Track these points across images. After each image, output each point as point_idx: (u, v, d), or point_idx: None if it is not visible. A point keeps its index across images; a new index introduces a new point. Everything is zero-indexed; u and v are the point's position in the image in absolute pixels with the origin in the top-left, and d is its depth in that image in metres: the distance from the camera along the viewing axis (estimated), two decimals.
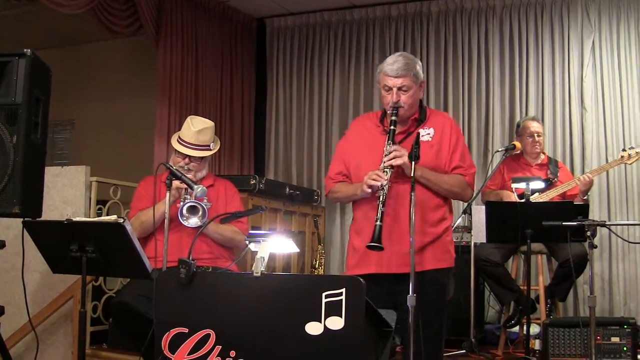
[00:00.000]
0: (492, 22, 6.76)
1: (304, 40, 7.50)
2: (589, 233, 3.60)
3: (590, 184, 5.11)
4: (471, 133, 6.70)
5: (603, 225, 3.73)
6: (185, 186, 3.93)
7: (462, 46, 6.83)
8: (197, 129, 4.26)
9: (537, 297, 5.16)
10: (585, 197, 5.16)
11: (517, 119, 6.26)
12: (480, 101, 6.74)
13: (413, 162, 3.15)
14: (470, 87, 6.78)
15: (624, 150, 5.21)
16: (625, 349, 4.17)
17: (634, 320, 4.28)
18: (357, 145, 3.55)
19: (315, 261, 6.15)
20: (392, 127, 3.31)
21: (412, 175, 3.12)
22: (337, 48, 7.32)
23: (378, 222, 3.14)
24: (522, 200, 4.72)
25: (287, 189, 5.98)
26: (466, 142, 6.43)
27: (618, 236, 4.16)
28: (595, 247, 3.67)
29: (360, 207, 3.46)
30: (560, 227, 3.73)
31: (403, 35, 7.04)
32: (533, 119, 5.54)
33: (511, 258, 5.32)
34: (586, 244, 3.89)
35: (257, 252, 2.69)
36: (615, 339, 4.20)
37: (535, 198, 5.00)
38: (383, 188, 3.20)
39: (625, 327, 4.21)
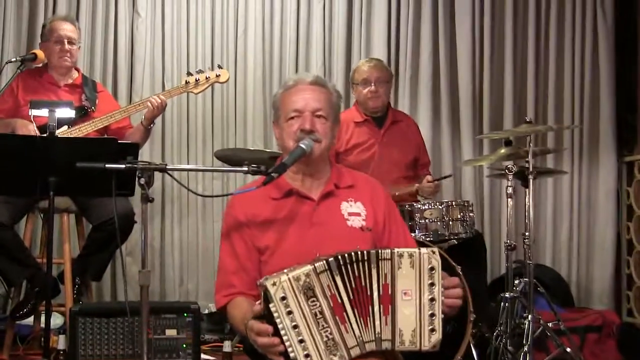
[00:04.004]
0: None
1: None
2: (143, 181, 2.93)
3: (161, 108, 4.59)
4: None
5: (164, 169, 3.04)
6: None
7: None
8: None
9: (62, 274, 4.49)
10: (151, 126, 4.63)
11: (43, 20, 5.44)
12: None
13: None
14: None
15: (189, 74, 4.76)
16: (185, 345, 3.68)
17: (196, 306, 3.76)
18: None
19: None
20: None
21: None
22: None
23: None
24: (45, 135, 3.92)
25: None
26: None
27: (186, 187, 3.42)
28: (152, 200, 3.01)
29: None
30: (103, 171, 2.97)
31: None
32: (65, 19, 4.81)
33: (25, 218, 4.55)
34: (132, 199, 3.66)
35: None
36: (171, 332, 3.69)
37: (63, 133, 4.41)
38: None
39: (186, 315, 3.70)
